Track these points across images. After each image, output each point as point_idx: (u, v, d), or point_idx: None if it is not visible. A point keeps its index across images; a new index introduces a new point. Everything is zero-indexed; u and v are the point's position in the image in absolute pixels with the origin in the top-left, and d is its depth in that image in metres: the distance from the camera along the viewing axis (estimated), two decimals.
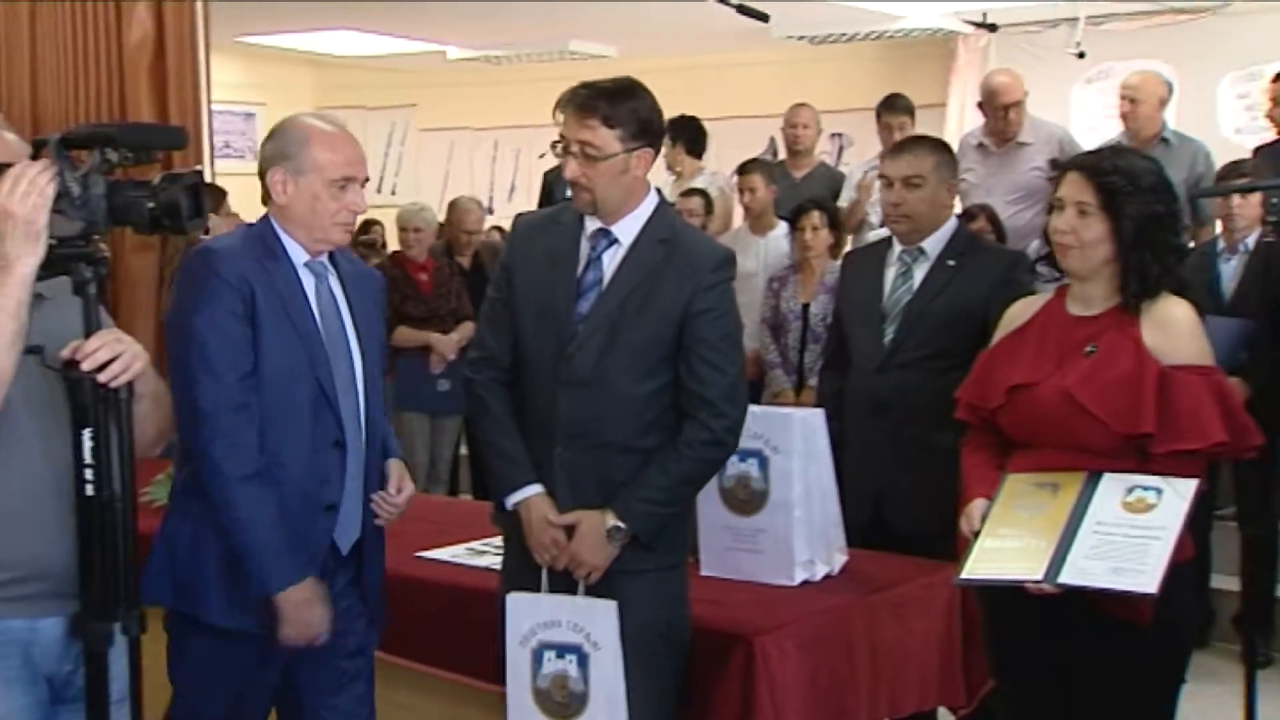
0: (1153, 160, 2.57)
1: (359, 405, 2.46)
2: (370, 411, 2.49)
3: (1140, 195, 2.43)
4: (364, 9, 7.39)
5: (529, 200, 9.61)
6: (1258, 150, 5.30)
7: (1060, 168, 2.60)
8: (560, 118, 2.52)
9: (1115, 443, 2.39)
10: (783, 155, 6.65)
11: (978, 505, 2.48)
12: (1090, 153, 2.62)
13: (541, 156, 9.99)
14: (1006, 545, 2.38)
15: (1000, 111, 5.44)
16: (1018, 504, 2.42)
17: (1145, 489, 2.33)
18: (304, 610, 2.35)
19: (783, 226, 5.68)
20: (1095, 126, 7.22)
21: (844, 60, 8.45)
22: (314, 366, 2.39)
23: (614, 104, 2.48)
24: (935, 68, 8.20)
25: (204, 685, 2.41)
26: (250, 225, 2.53)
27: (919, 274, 3.30)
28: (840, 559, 2.94)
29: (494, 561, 2.80)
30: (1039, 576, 2.30)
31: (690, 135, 6.44)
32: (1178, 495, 2.30)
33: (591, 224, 2.55)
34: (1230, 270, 4.71)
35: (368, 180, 2.49)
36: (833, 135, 8.49)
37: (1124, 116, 5.46)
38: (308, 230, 2.43)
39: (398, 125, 10.70)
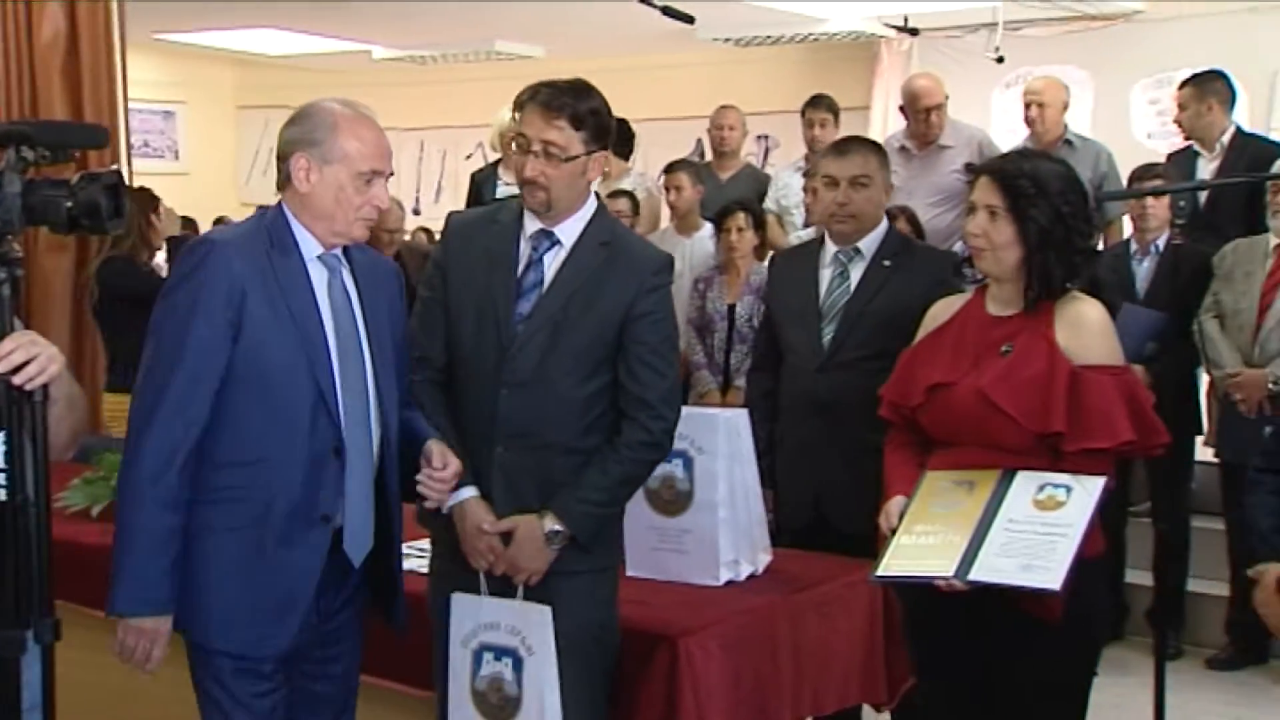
0: (1062, 163, 2.62)
1: (369, 408, 2.36)
2: (385, 414, 2.37)
3: (1046, 199, 2.48)
4: (287, 8, 7.32)
5: (456, 201, 9.53)
6: (1170, 156, 5.44)
7: (974, 172, 2.65)
8: (519, 115, 2.50)
9: (1028, 441, 2.44)
10: (710, 157, 6.68)
11: (896, 503, 2.52)
12: (1001, 157, 2.67)
13: (469, 157, 9.96)
14: (922, 542, 2.42)
15: (922, 114, 5.52)
16: (935, 502, 2.46)
17: (1056, 487, 2.38)
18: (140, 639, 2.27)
19: (708, 227, 5.71)
20: (1014, 129, 7.31)
21: (770, 62, 8.52)
22: (313, 368, 2.28)
23: (579, 104, 2.48)
24: (859, 71, 8.30)
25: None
26: (261, 212, 2.39)
27: (856, 274, 3.31)
28: (765, 559, 2.97)
29: (419, 565, 2.78)
30: (950, 573, 2.34)
31: (618, 136, 6.44)
32: (1086, 493, 2.35)
33: (531, 224, 2.54)
34: (1143, 271, 4.83)
35: (392, 175, 2.39)
36: (759, 137, 8.56)
37: (1030, 120, 5.56)
38: (328, 223, 2.33)
39: None
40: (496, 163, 6.34)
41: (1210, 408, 4.87)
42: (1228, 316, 4.60)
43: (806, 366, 3.30)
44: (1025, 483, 2.41)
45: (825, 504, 3.28)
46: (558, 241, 2.54)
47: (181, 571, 2.26)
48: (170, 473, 2.22)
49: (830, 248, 3.37)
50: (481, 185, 6.28)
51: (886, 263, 3.29)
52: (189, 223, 8.49)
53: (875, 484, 2.64)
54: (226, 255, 2.26)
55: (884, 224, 3.38)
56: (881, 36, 7.98)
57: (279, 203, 2.37)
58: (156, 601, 2.24)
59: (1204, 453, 4.86)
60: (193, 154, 10.68)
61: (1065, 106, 5.64)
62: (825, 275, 3.35)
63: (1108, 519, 5.44)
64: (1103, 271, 4.91)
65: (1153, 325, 4.59)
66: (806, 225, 5.57)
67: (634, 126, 6.54)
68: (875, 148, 3.41)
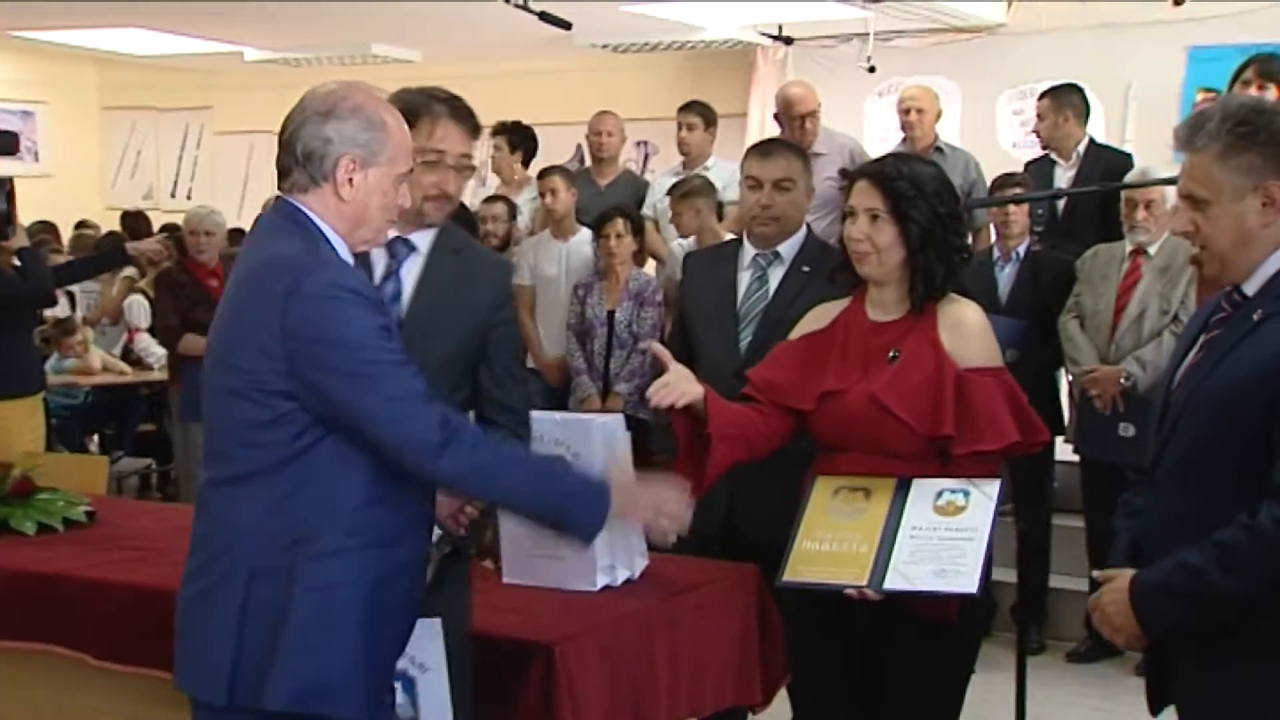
0: (934, 165, 2.68)
1: None
2: None
3: (924, 199, 2.52)
4: (155, 7, 7.12)
5: None
6: (1028, 165, 5.63)
7: (849, 176, 2.66)
8: (434, 128, 2.46)
9: (920, 446, 2.49)
10: (589, 163, 6.71)
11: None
12: (876, 161, 2.70)
13: None
14: (827, 550, 2.44)
15: (796, 122, 5.62)
16: (832, 508, 2.48)
17: (953, 492, 2.42)
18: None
19: (585, 233, 5.73)
20: (886, 138, 7.50)
21: (648, 69, 8.58)
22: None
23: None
24: (736, 78, 8.40)
25: None
26: (277, 221, 2.10)
27: (775, 278, 3.26)
28: (641, 563, 2.99)
29: None
30: (864, 583, 2.37)
31: (527, 144, 6.44)
32: (985, 496, 2.40)
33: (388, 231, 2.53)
34: (1005, 277, 4.99)
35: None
36: (638, 143, 8.61)
37: (907, 126, 5.71)
38: (363, 230, 2.13)
39: (192, 128, 10.35)
40: None
41: (1071, 408, 5.05)
42: (1087, 317, 4.79)
43: (722, 370, 3.18)
44: (922, 490, 2.44)
45: (737, 511, 3.22)
46: (414, 249, 2.52)
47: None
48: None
49: (749, 250, 3.32)
50: None
51: (805, 268, 3.24)
52: (49, 227, 8.23)
53: (788, 492, 2.65)
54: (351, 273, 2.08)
55: (804, 229, 3.33)
56: (757, 45, 8.10)
57: (290, 204, 2.11)
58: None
59: (1065, 453, 5.03)
60: (54, 156, 10.33)
61: (939, 115, 5.80)
62: (743, 278, 3.30)
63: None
64: (968, 278, 5.13)
65: (1012, 333, 4.74)
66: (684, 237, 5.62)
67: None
68: (799, 151, 3.38)
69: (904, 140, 5.79)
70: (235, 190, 9.73)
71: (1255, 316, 2.08)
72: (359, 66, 8.64)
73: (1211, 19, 6.45)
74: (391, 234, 2.50)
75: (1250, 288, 2.12)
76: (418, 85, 2.57)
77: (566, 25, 6.61)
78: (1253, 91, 4.74)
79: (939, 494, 2.43)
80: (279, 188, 2.16)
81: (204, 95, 10.01)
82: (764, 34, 7.81)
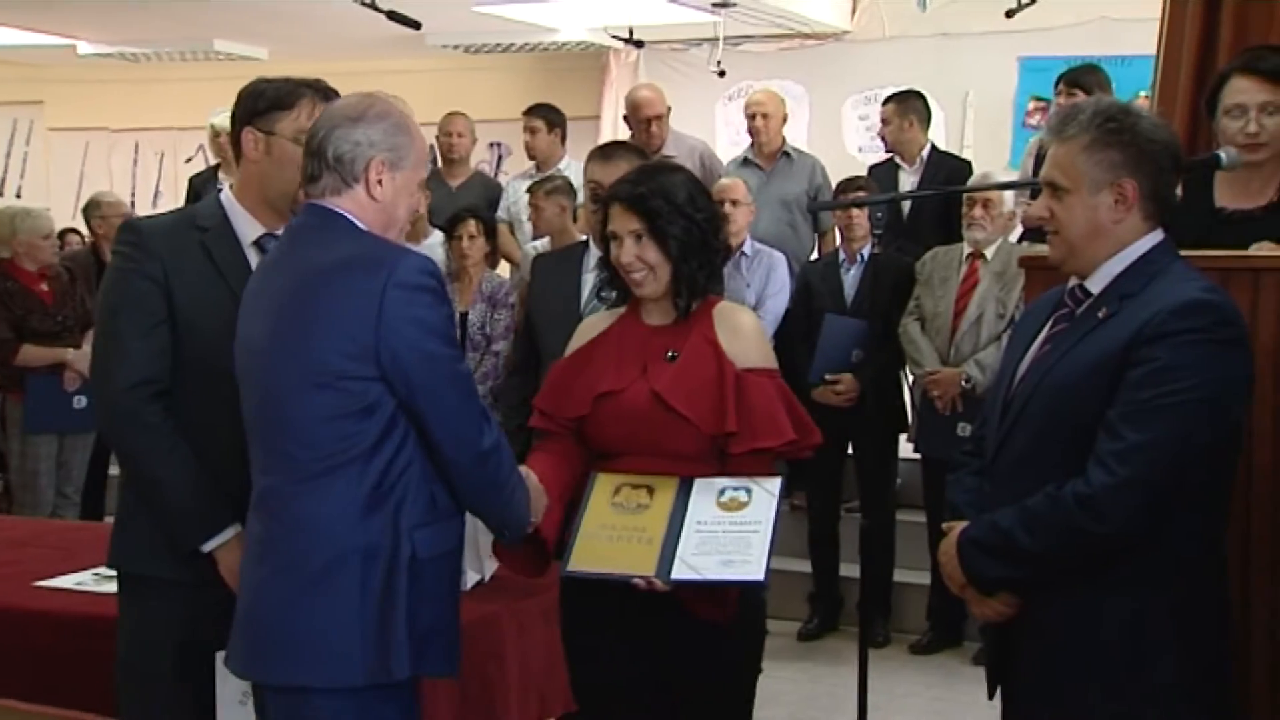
0: (683, 170, 2.66)
1: None
2: None
3: (677, 211, 2.52)
4: None
5: (175, 205, 9.12)
6: (872, 168, 5.78)
7: (601, 202, 2.63)
8: (313, 110, 2.42)
9: (702, 445, 2.49)
10: (440, 164, 6.65)
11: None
12: (626, 181, 2.60)
13: (189, 160, 9.54)
14: (609, 541, 2.41)
15: (644, 124, 5.66)
16: (614, 503, 2.46)
17: (735, 489, 2.44)
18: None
19: (437, 235, 5.67)
20: (736, 141, 7.62)
21: (501, 71, 8.55)
22: None
23: None
24: (589, 81, 8.43)
25: None
26: (320, 225, 2.18)
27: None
28: (491, 566, 2.98)
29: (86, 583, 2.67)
30: (651, 572, 2.37)
31: None
32: (766, 492, 2.43)
33: (251, 230, 2.46)
34: (851, 279, 5.11)
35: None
36: (491, 144, 8.57)
37: (753, 131, 5.79)
38: (393, 230, 2.24)
39: (21, 124, 9.93)
40: (216, 166, 6.11)
41: (913, 408, 5.20)
42: (928, 320, 4.93)
43: None
44: (704, 488, 2.45)
45: None
46: None
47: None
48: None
49: (594, 252, 3.29)
50: (200, 189, 6.03)
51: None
52: None
53: None
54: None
55: None
56: (609, 48, 8.14)
57: (325, 209, 2.18)
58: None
59: (906, 451, 5.18)
60: None
61: (785, 119, 5.90)
62: (588, 280, 3.27)
63: (815, 518, 5.65)
64: (815, 280, 5.24)
65: (856, 334, 4.87)
66: (535, 237, 5.62)
67: None
68: (640, 154, 3.37)
69: (751, 145, 5.89)
70: (70, 189, 9.37)
71: (1100, 314, 2.18)
72: (202, 63, 8.42)
73: (1041, 31, 6.73)
74: (260, 231, 2.46)
75: (1094, 285, 2.22)
76: None
77: (416, 25, 6.55)
78: (1061, 100, 5.02)
79: (721, 491, 2.45)
80: (307, 193, 2.24)
81: (34, 89, 9.61)
82: (616, 37, 7.86)
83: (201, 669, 2.39)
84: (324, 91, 2.48)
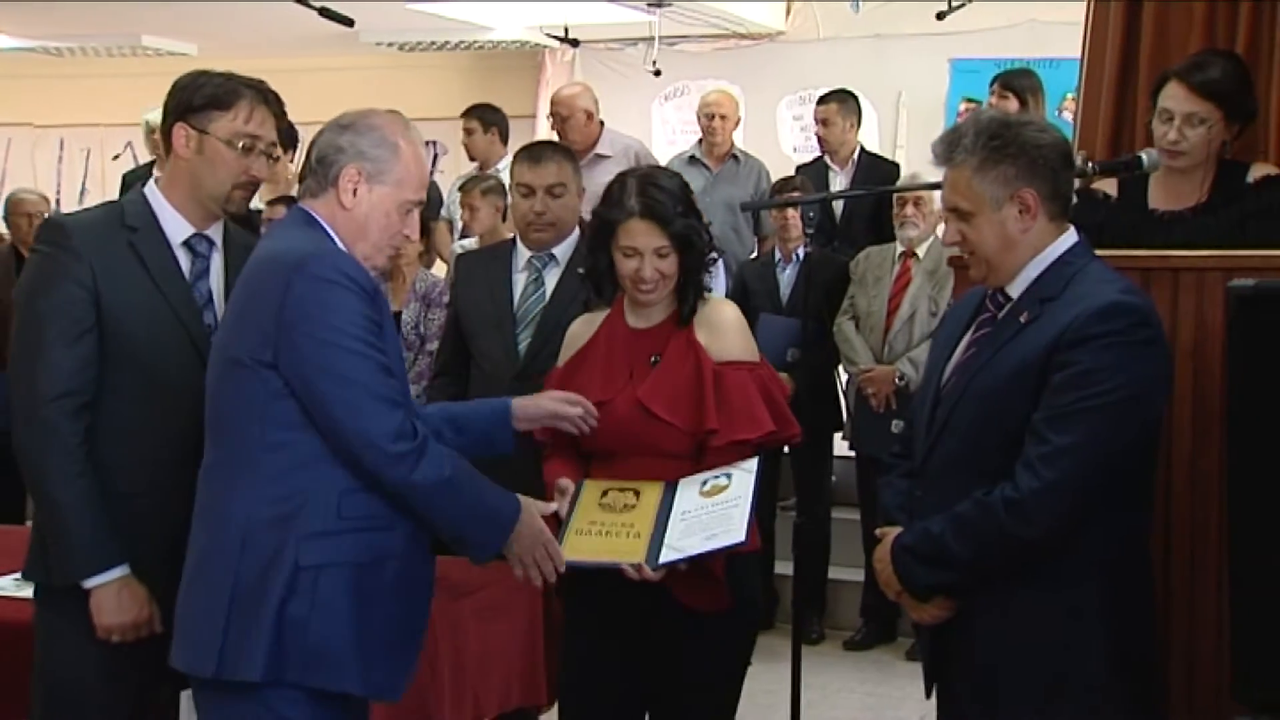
0: (677, 175, 2.70)
1: None
2: None
3: (696, 226, 2.59)
4: None
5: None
6: (800, 169, 5.82)
7: (611, 220, 2.58)
8: (251, 112, 2.41)
9: (687, 444, 2.55)
10: None
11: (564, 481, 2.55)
12: (646, 198, 2.57)
13: (116, 157, 9.37)
14: (599, 534, 2.46)
15: (575, 122, 5.63)
16: (603, 503, 2.52)
17: (716, 477, 2.50)
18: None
19: None
20: (673, 140, 7.67)
21: (437, 69, 8.50)
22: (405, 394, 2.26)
23: None
24: (525, 79, 8.40)
25: None
26: (291, 223, 2.22)
27: (551, 280, 3.24)
28: None
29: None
30: (641, 559, 2.40)
31: (286, 139, 6.26)
32: (746, 472, 2.49)
33: (180, 229, 2.42)
34: (787, 278, 5.15)
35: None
36: (427, 143, 8.46)
37: (709, 131, 5.79)
38: (364, 244, 2.21)
39: None
40: (151, 164, 6.02)
41: (849, 406, 5.24)
42: (862, 318, 4.98)
43: (502, 375, 3.17)
44: (689, 484, 2.52)
45: None
46: (214, 243, 2.45)
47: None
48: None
49: (523, 252, 3.29)
50: (135, 186, 5.94)
51: (581, 270, 3.14)
52: None
53: None
54: (354, 263, 2.17)
55: (576, 230, 3.30)
56: (545, 47, 8.12)
57: (303, 210, 2.22)
58: None
59: (842, 448, 5.22)
60: None
61: (738, 121, 5.92)
62: (519, 280, 3.27)
63: (761, 516, 5.70)
64: (751, 279, 5.27)
65: (790, 332, 4.90)
66: (464, 236, 5.59)
67: (297, 130, 6.37)
68: (568, 154, 3.38)
69: (701, 143, 5.89)
70: None
71: (1022, 319, 2.22)
72: (129, 59, 8.27)
73: (972, 33, 6.81)
74: (190, 230, 2.42)
75: (1014, 290, 2.26)
76: None
77: (349, 22, 6.49)
78: (994, 102, 5.11)
79: (704, 482, 2.50)
80: (298, 192, 2.28)
81: None
82: (551, 35, 7.84)
83: (129, 677, 2.35)
84: (265, 94, 2.44)
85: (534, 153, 3.34)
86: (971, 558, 2.18)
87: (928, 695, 2.39)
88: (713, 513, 2.44)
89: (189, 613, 2.16)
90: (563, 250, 3.28)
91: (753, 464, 2.50)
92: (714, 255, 2.67)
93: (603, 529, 2.47)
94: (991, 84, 5.24)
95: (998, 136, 2.21)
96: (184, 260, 2.42)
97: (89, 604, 2.32)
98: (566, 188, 3.26)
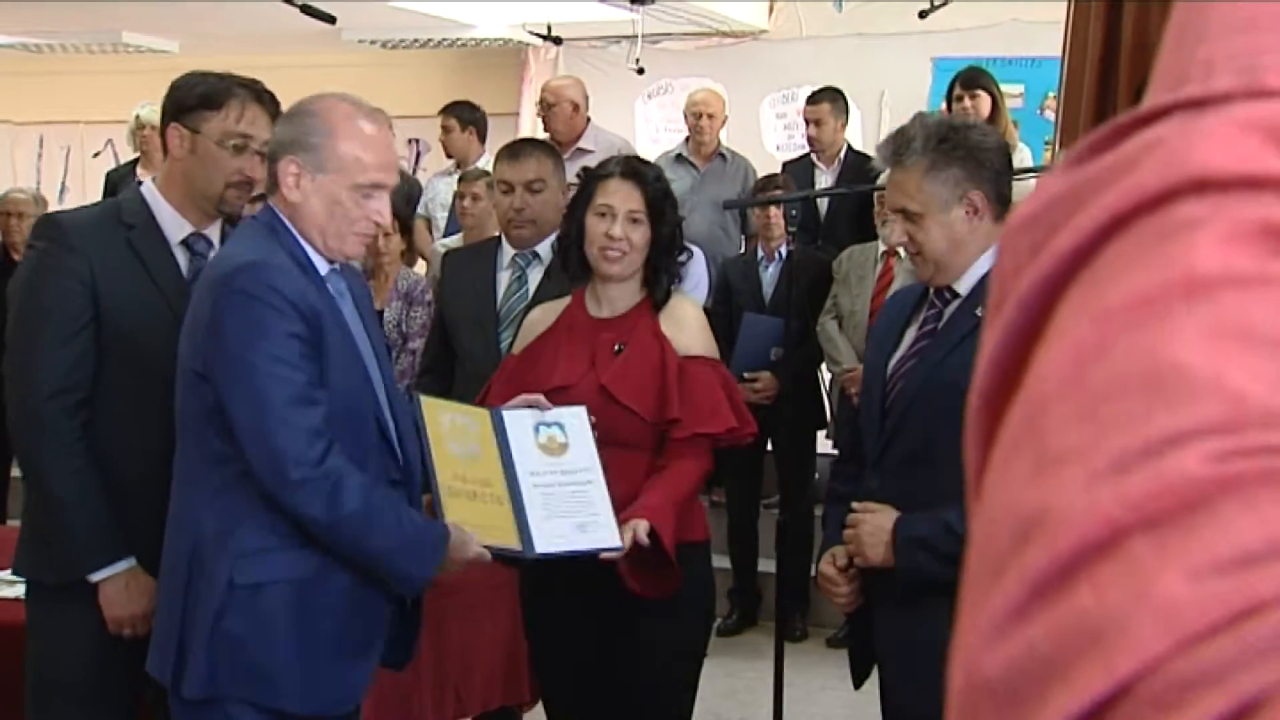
0: (659, 167, 2.77)
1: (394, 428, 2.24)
2: (403, 439, 2.25)
3: (671, 203, 2.64)
4: None
5: (82, 201, 8.87)
6: (786, 166, 5.82)
7: (595, 175, 2.66)
8: (242, 112, 2.40)
9: (648, 434, 2.54)
10: None
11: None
12: (633, 160, 2.74)
13: (96, 155, 9.32)
14: (468, 496, 2.34)
15: (560, 110, 5.62)
16: (450, 442, 2.37)
17: (548, 426, 2.45)
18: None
19: None
20: (656, 138, 7.67)
21: (420, 66, 8.48)
22: (374, 403, 2.16)
23: None
24: (508, 77, 8.39)
25: None
26: (254, 223, 2.17)
27: (534, 278, 3.25)
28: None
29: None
30: (518, 548, 2.35)
31: None
32: (577, 427, 2.45)
33: (178, 228, 2.41)
34: (769, 277, 5.15)
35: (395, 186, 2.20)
36: (410, 140, 8.49)
37: (695, 130, 5.79)
38: (321, 236, 2.14)
39: None
40: (135, 161, 5.99)
41: (832, 404, 5.25)
42: (845, 317, 4.98)
43: (483, 372, 3.12)
44: (518, 424, 2.44)
45: None
46: (211, 244, 2.45)
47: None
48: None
49: (507, 250, 3.30)
50: (118, 184, 5.92)
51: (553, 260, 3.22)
52: None
53: None
54: (287, 276, 2.07)
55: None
56: (528, 45, 8.11)
57: (270, 209, 2.18)
58: None
59: (825, 446, 5.23)
60: None
61: (725, 120, 5.93)
62: (503, 278, 3.28)
63: (735, 514, 5.68)
64: (734, 277, 5.27)
65: (774, 332, 4.90)
66: (449, 233, 5.58)
67: None
68: (549, 150, 3.38)
69: (687, 142, 5.88)
70: None
71: (978, 313, 2.23)
72: (110, 55, 8.23)
73: (954, 32, 6.83)
74: (188, 229, 2.41)
75: (962, 286, 2.29)
76: (175, 77, 2.50)
77: (331, 19, 6.47)
78: (968, 103, 5.14)
79: (535, 429, 2.44)
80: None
81: None
82: (534, 33, 7.83)
83: (122, 673, 2.34)
84: (259, 93, 2.44)
85: (514, 149, 3.35)
86: None
87: (858, 686, 2.39)
88: (566, 485, 2.39)
89: (158, 618, 2.16)
90: (546, 248, 3.27)
91: (581, 416, 2.46)
92: (688, 249, 2.68)
93: (468, 490, 2.34)
94: (952, 85, 5.26)
95: (947, 139, 2.24)
96: (182, 259, 2.41)
97: (92, 598, 2.32)
98: (546, 184, 3.26)
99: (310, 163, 2.12)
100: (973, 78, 5.25)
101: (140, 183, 2.54)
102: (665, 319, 2.61)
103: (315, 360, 2.06)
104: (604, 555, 2.38)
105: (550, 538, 2.35)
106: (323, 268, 2.16)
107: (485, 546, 2.27)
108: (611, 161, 2.67)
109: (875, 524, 2.27)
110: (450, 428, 2.36)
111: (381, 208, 2.17)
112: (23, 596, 2.53)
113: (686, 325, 2.62)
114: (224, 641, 2.05)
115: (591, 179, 2.64)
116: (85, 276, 2.32)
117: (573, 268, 2.66)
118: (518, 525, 2.34)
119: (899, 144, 2.27)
